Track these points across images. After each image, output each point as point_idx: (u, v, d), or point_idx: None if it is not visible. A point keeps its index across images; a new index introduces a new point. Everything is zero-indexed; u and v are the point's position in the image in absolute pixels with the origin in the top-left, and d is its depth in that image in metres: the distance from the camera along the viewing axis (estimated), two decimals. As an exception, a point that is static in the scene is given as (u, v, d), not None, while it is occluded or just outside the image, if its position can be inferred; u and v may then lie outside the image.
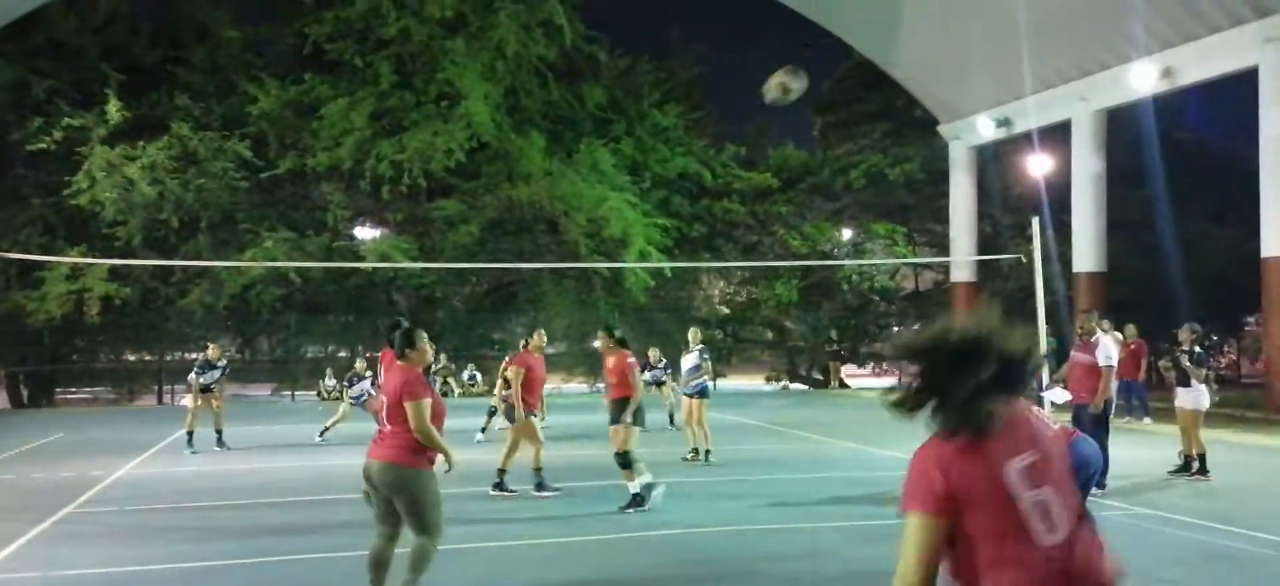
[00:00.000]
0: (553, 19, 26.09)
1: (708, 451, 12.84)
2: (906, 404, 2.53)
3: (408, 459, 5.75)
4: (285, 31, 27.05)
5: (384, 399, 5.98)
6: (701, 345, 13.48)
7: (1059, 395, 10.77)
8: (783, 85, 9.21)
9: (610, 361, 9.98)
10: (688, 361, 13.30)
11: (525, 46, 26.00)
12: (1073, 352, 10.75)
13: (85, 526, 9.18)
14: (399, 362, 6.01)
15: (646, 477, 9.43)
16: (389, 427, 5.83)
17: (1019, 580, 2.42)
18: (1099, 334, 10.45)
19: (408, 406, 5.71)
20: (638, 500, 9.31)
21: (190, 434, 14.54)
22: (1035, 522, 2.45)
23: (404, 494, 5.77)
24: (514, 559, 7.78)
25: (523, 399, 10.24)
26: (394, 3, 25.27)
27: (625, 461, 9.39)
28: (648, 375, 16.69)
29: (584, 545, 8.21)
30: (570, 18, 26.52)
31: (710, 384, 13.48)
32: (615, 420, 9.67)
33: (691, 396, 12.98)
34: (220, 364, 15.22)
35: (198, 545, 8.27)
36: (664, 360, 17.70)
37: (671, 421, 16.59)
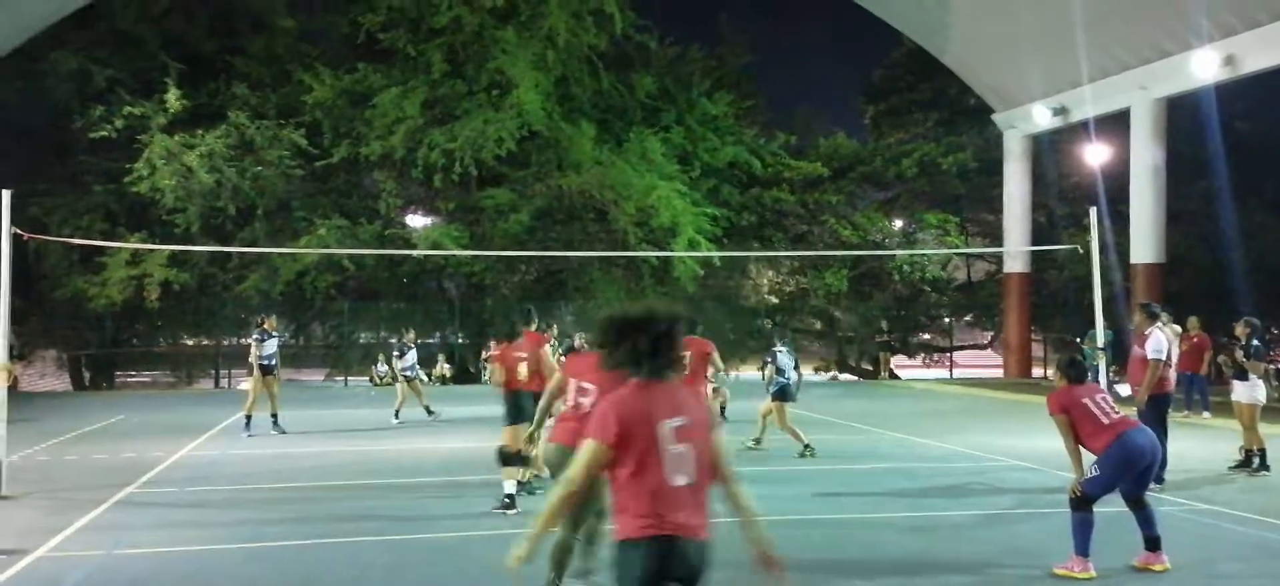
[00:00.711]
0: (603, 8, 26.08)
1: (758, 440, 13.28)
2: (609, 360, 3.74)
3: None
4: (339, 21, 27.30)
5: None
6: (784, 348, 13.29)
7: (1124, 388, 10.64)
8: None
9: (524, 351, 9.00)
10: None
11: (576, 35, 26.03)
12: (1133, 345, 10.60)
13: (147, 506, 9.40)
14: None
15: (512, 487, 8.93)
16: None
17: (647, 502, 3.53)
18: (1154, 327, 10.27)
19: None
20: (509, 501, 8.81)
21: (249, 417, 14.68)
22: (670, 466, 3.54)
23: None
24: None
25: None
26: (446, -8, 25.41)
27: (509, 460, 8.72)
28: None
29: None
30: (620, 6, 26.48)
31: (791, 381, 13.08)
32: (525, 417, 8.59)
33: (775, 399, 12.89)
34: (275, 334, 15.29)
35: (257, 526, 8.44)
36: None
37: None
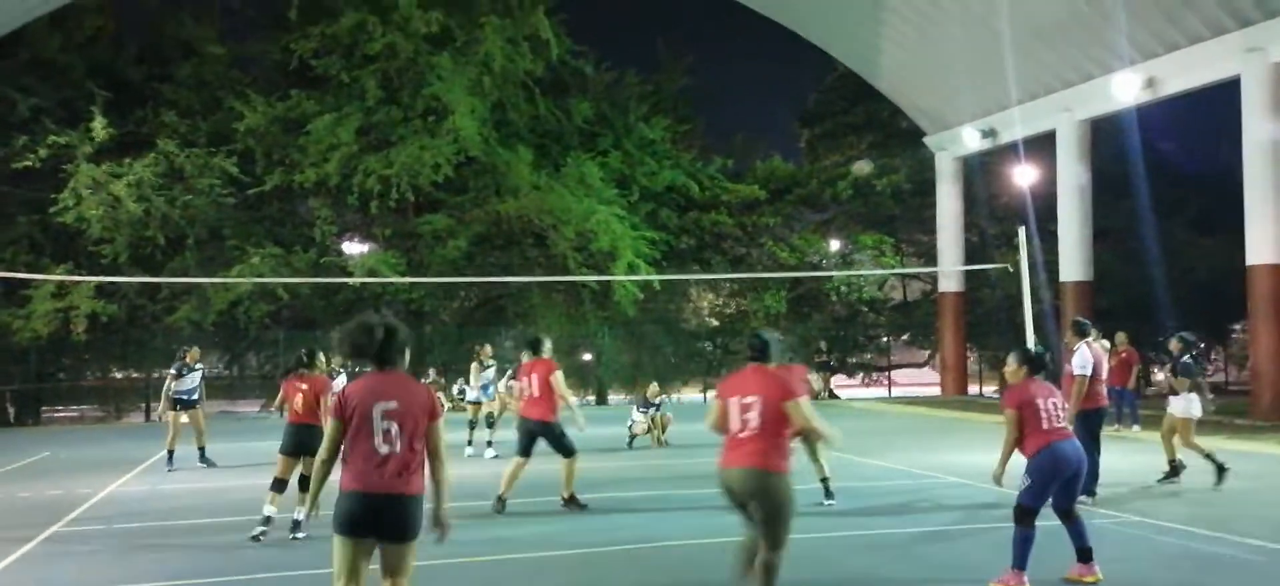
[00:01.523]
0: (539, 34, 26.10)
1: None
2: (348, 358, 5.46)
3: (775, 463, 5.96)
4: (271, 47, 26.95)
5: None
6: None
7: None
8: None
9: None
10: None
11: (512, 61, 25.99)
12: (1063, 362, 10.81)
13: (74, 544, 9.13)
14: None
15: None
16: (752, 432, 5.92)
17: (360, 464, 4.84)
18: (1080, 343, 10.49)
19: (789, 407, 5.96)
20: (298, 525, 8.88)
21: (171, 452, 14.42)
22: (378, 439, 4.82)
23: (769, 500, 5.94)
24: (505, 573, 7.76)
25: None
26: (380, 18, 25.23)
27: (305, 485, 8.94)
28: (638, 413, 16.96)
29: (570, 559, 8.19)
30: (556, 33, 26.54)
31: None
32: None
33: None
34: (198, 367, 14.95)
35: (187, 561, 8.24)
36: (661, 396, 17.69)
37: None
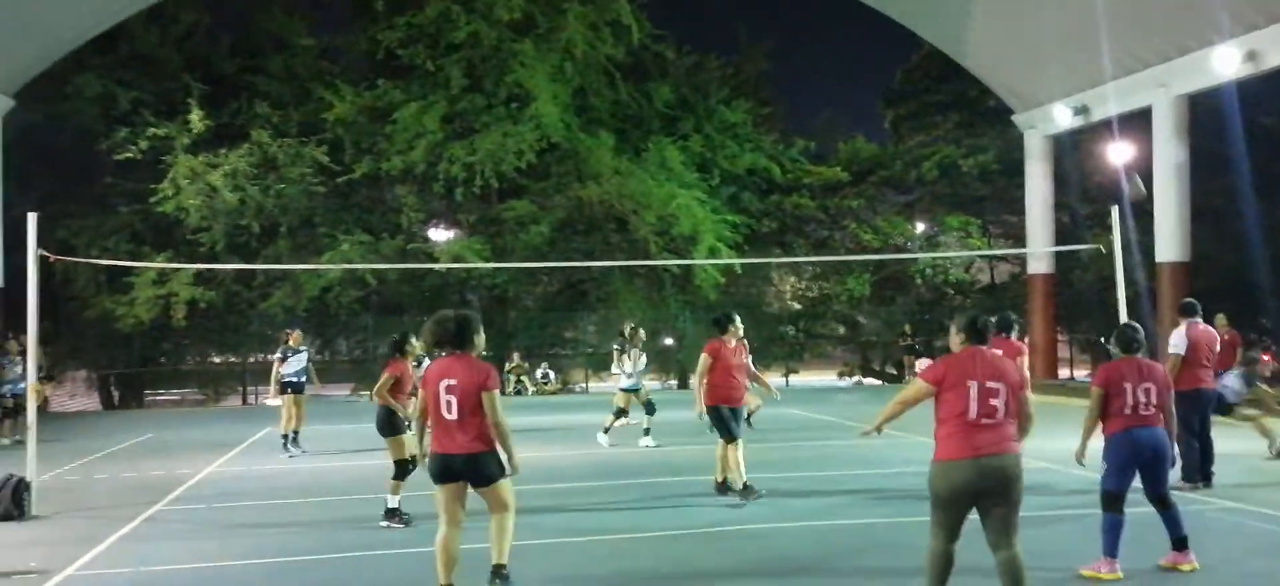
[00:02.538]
0: (620, 19, 26.17)
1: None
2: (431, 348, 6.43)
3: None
4: (359, 38, 27.53)
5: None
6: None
7: None
8: None
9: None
10: None
11: (593, 47, 26.12)
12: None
13: (174, 523, 9.49)
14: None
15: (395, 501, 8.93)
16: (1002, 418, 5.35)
17: (438, 428, 6.14)
18: (1182, 323, 10.25)
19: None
20: (392, 513, 8.86)
21: (285, 436, 14.34)
22: (444, 412, 6.04)
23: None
24: (590, 553, 7.86)
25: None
26: (464, 6, 25.56)
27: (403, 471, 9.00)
28: None
29: (658, 540, 8.25)
30: (637, 17, 26.57)
31: None
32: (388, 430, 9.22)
33: None
34: (302, 349, 14.87)
35: (283, 540, 8.50)
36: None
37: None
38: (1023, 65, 26.04)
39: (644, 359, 14.77)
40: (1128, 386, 6.72)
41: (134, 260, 24.03)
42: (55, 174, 26.43)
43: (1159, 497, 6.87)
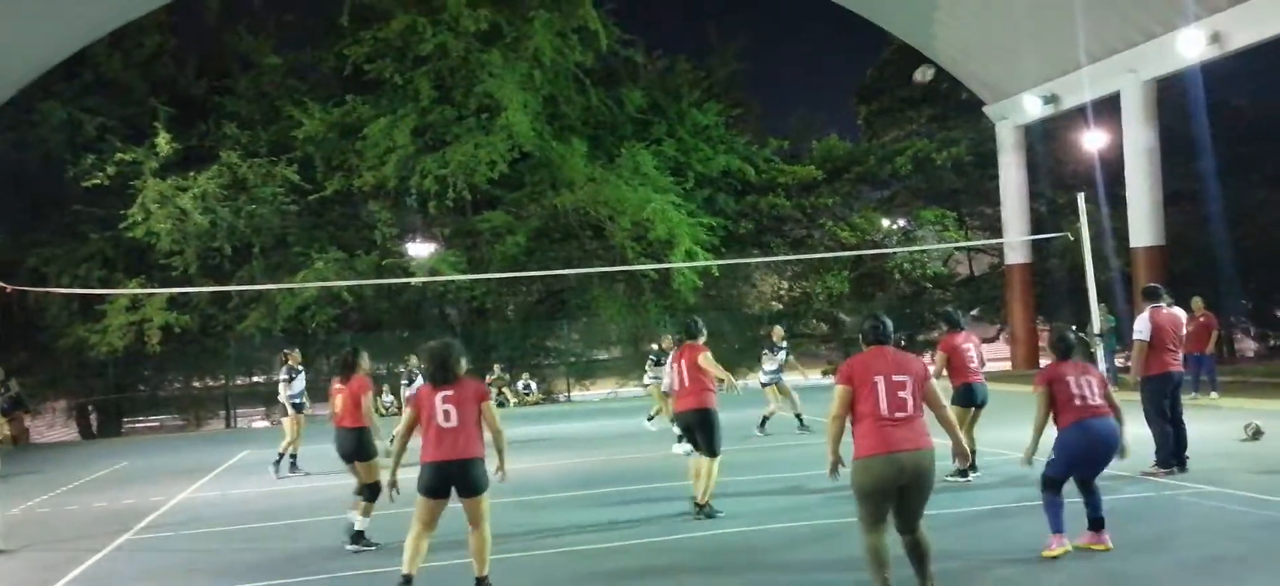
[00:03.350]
0: (588, 25, 26.10)
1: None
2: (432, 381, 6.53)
3: None
4: (326, 55, 27.35)
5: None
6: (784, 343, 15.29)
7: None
8: None
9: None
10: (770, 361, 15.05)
11: (561, 54, 26.04)
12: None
13: (142, 552, 9.33)
14: None
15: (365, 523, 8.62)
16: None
17: (430, 440, 6.33)
18: (1146, 308, 10.23)
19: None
20: (358, 537, 8.55)
21: (283, 455, 14.08)
22: (439, 418, 6.32)
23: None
24: (566, 561, 7.75)
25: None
26: (429, 19, 25.44)
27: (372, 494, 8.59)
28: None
29: (637, 548, 8.15)
30: (605, 23, 26.51)
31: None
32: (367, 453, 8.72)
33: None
34: (301, 370, 14.70)
35: (250, 566, 8.35)
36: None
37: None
38: (991, 56, 26.14)
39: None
40: (1070, 379, 6.87)
41: (105, 287, 23.79)
42: (23, 203, 26.16)
43: (1085, 482, 7.00)
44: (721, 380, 9.02)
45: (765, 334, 15.96)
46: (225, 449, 18.42)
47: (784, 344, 15.34)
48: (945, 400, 5.95)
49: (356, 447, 8.76)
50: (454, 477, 6.36)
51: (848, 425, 5.75)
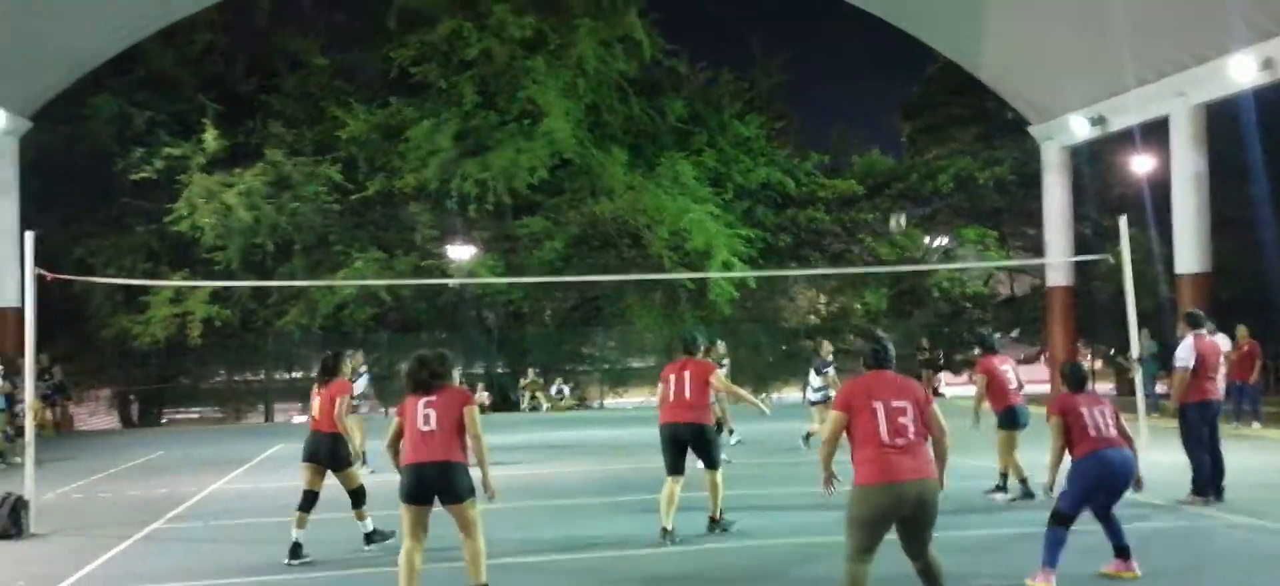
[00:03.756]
0: (632, 35, 26.16)
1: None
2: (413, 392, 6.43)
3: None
4: (372, 57, 27.63)
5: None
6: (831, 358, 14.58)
7: None
8: None
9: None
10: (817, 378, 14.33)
11: (605, 63, 26.11)
12: None
13: (170, 541, 9.45)
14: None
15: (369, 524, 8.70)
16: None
17: (409, 444, 6.25)
18: (1187, 335, 10.02)
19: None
20: (371, 537, 8.67)
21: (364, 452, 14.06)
22: (420, 426, 6.22)
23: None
24: (589, 568, 7.74)
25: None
26: (475, 25, 25.61)
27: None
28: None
29: (655, 556, 8.12)
30: (649, 33, 26.54)
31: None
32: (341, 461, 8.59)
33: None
34: (362, 371, 14.94)
35: (274, 557, 8.41)
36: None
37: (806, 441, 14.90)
38: (1038, 77, 25.83)
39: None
40: (1084, 410, 6.79)
41: (150, 279, 24.15)
42: (73, 194, 26.57)
43: (1108, 513, 6.91)
44: (749, 403, 9.27)
45: (812, 348, 15.17)
46: (261, 442, 18.62)
47: (831, 359, 14.64)
48: (946, 425, 5.66)
49: (332, 453, 8.54)
50: (431, 480, 6.19)
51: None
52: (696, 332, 9.52)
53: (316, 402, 8.65)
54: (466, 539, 6.32)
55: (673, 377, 8.71)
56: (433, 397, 6.31)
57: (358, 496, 8.63)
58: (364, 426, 14.62)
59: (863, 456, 5.36)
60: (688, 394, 8.60)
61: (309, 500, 8.43)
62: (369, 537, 8.63)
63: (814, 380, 14.55)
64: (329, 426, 8.47)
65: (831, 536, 8.61)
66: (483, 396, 27.23)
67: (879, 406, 5.34)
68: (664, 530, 8.48)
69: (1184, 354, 9.87)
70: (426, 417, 6.25)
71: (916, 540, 5.46)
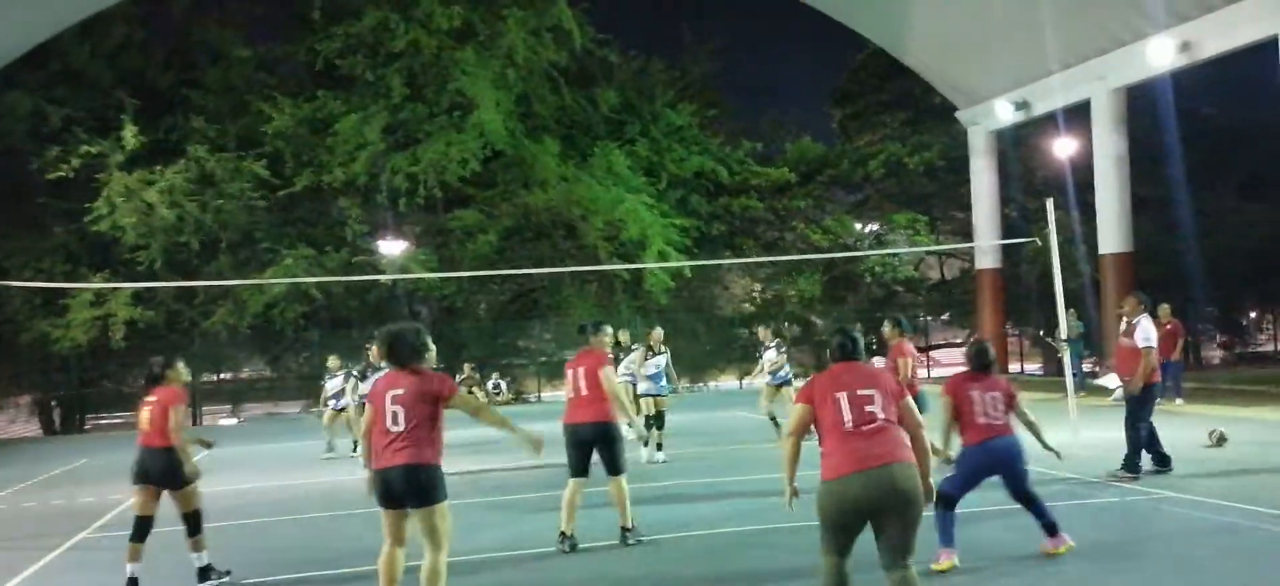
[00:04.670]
0: (562, 24, 26.01)
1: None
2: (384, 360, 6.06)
3: None
4: (296, 49, 27.09)
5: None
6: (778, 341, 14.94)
7: (1110, 380, 10.62)
8: None
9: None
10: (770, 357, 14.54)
11: (535, 53, 25.94)
12: (1120, 336, 10.49)
13: (98, 551, 9.15)
14: None
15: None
16: None
17: (378, 449, 5.71)
18: (1141, 316, 10.21)
19: None
20: (205, 574, 7.62)
21: (356, 441, 14.35)
22: (388, 419, 5.66)
23: None
24: (534, 566, 7.67)
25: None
26: (402, 15, 25.25)
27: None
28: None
29: (597, 554, 8.07)
30: (579, 22, 26.42)
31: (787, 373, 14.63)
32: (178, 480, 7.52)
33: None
34: (338, 374, 15.35)
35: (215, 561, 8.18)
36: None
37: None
38: (963, 61, 26.23)
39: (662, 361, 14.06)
40: (975, 395, 6.83)
41: (69, 281, 23.43)
42: (-13, 195, 25.78)
43: (1024, 495, 6.98)
44: (622, 406, 8.12)
45: (761, 338, 15.29)
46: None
47: (774, 342, 14.73)
48: (922, 419, 5.24)
49: (166, 471, 7.44)
50: (396, 485, 5.63)
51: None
52: (595, 321, 8.73)
53: (145, 413, 7.47)
54: (428, 549, 5.68)
55: (570, 373, 8.15)
56: (400, 390, 5.69)
57: (194, 522, 7.58)
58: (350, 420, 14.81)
59: (826, 448, 5.01)
60: (584, 389, 8.02)
61: (142, 528, 7.46)
62: (203, 574, 7.56)
63: (771, 359, 14.47)
64: (160, 440, 7.36)
65: (778, 523, 8.67)
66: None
67: (842, 396, 4.99)
68: (562, 534, 7.97)
69: (1150, 333, 10.05)
70: (394, 416, 5.66)
71: (892, 540, 4.90)
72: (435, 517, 5.66)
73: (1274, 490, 9.21)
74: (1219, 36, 19.51)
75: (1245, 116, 30.84)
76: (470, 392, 25.55)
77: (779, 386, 14.52)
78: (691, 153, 28.88)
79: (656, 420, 13.48)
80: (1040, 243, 13.40)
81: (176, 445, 7.37)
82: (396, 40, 25.18)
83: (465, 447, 14.65)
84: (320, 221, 27.48)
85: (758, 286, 34.10)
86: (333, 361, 16.17)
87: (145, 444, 7.46)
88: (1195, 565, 6.82)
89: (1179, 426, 13.89)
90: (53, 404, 27.93)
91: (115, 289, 23.81)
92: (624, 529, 8.14)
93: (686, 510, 9.58)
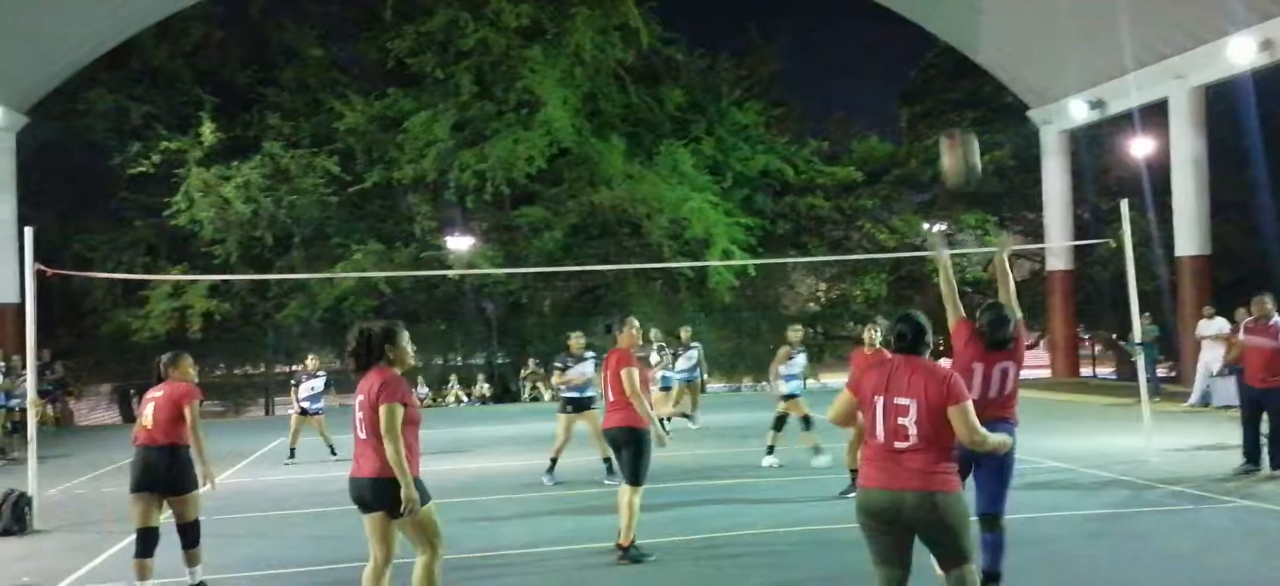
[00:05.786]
0: (629, 23, 26.10)
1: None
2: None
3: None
4: (368, 48, 27.56)
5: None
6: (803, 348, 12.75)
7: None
8: (961, 163, 7.49)
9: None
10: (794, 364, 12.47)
11: (602, 51, 26.07)
12: (1245, 336, 10.47)
13: (168, 535, 9.41)
14: None
15: None
16: None
17: (359, 450, 5.47)
18: (1276, 316, 10.23)
19: None
20: None
21: (293, 448, 14.75)
22: (357, 432, 5.39)
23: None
24: (570, 563, 7.72)
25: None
26: (472, 14, 25.56)
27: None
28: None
29: (679, 546, 8.11)
30: (646, 20, 26.50)
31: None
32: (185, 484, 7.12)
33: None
34: (320, 375, 15.03)
35: (278, 551, 8.43)
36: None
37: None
38: (1036, 60, 25.78)
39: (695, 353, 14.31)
40: (981, 369, 6.07)
41: (149, 274, 24.11)
42: (70, 189, 26.58)
43: (988, 517, 6.08)
44: (639, 405, 7.57)
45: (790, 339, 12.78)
46: (261, 436, 18.59)
47: (803, 349, 12.67)
48: (978, 425, 4.60)
49: (171, 471, 6.93)
50: (365, 498, 5.41)
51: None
52: (623, 317, 8.32)
53: (149, 410, 6.99)
54: (418, 554, 5.46)
55: (605, 375, 7.77)
56: (361, 396, 5.39)
57: (192, 533, 7.12)
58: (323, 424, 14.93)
59: (865, 455, 4.72)
60: (611, 393, 7.68)
61: (147, 541, 6.93)
62: None
63: (785, 371, 12.50)
64: (164, 438, 6.87)
65: (839, 525, 8.64)
66: (483, 387, 27.30)
67: (879, 401, 4.59)
68: (628, 545, 7.59)
69: None
70: (357, 423, 5.40)
71: (936, 549, 4.65)
72: (419, 523, 5.37)
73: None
74: (1304, 34, 18.93)
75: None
76: (535, 387, 25.95)
77: (790, 397, 12.39)
78: (757, 151, 28.78)
79: (776, 423, 12.53)
80: (1115, 244, 13.12)
81: (191, 444, 6.93)
82: (466, 38, 25.49)
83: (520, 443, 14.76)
84: (390, 217, 27.93)
85: (823, 286, 33.88)
86: (311, 361, 15.30)
87: (148, 442, 6.92)
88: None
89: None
90: (132, 393, 28.74)
91: (192, 281, 24.45)
92: (619, 546, 7.62)
93: (748, 511, 9.58)
